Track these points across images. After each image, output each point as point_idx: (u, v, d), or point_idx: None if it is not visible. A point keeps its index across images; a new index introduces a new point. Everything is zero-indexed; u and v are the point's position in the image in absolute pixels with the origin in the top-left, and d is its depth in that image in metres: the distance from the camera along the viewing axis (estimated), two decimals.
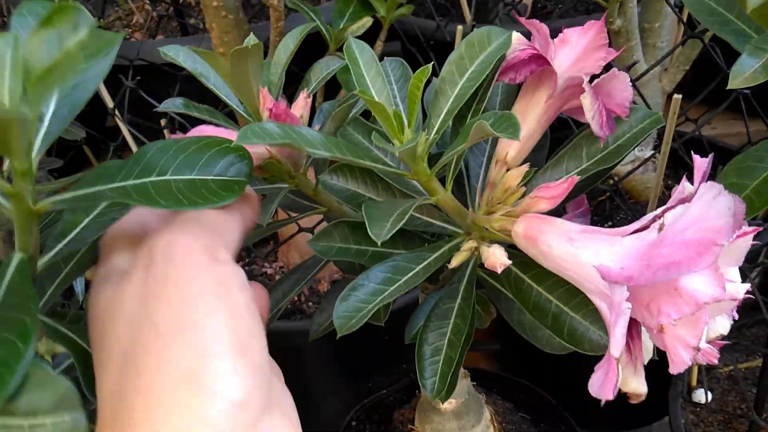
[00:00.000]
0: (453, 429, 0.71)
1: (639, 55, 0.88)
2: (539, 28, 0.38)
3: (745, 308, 0.82)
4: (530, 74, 0.38)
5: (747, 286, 0.32)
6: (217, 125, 0.47)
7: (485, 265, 0.37)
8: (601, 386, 0.30)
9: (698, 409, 0.84)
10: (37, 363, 0.28)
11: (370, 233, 0.32)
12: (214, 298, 0.29)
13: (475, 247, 0.39)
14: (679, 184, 0.33)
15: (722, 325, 0.33)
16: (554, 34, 0.42)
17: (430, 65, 0.35)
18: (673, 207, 0.30)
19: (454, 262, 0.39)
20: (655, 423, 0.96)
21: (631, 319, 0.32)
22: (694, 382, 0.86)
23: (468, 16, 1.01)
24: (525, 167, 0.37)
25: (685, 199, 0.30)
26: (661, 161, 0.75)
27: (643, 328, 0.35)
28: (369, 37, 0.83)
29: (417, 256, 0.41)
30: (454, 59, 0.37)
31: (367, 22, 0.82)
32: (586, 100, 0.36)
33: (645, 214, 0.34)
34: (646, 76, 0.93)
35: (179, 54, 0.50)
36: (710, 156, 0.33)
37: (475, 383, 0.78)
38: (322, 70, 0.51)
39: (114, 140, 0.91)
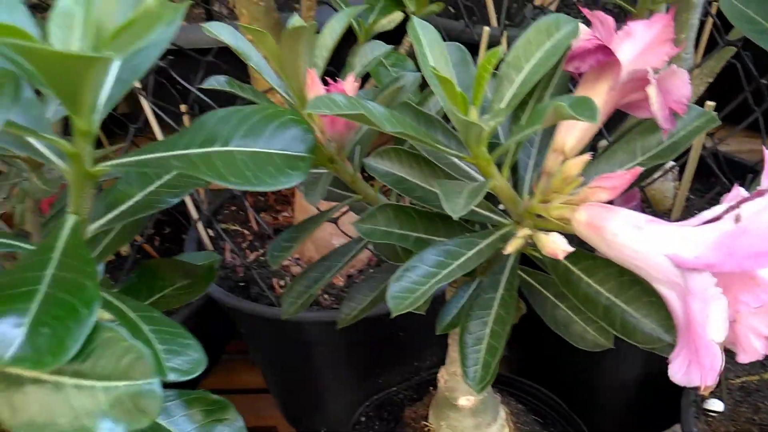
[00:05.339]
0: (469, 426, 0.71)
1: None
2: (603, 19, 0.38)
3: None
4: (596, 65, 0.37)
5: None
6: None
7: (544, 252, 0.37)
8: (689, 373, 0.30)
9: (710, 419, 0.84)
10: (110, 327, 0.27)
11: (444, 207, 0.31)
12: None
13: (529, 235, 0.39)
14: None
15: None
16: None
17: (502, 47, 0.35)
18: (748, 200, 0.30)
19: (510, 249, 0.38)
20: (666, 431, 0.96)
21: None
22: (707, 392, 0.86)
23: (494, 17, 1.00)
24: (586, 156, 0.37)
25: (762, 192, 0.30)
26: (689, 170, 0.76)
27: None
28: (396, 34, 0.83)
29: (468, 242, 0.41)
30: (521, 44, 0.37)
31: (397, 16, 0.82)
32: (652, 92, 0.36)
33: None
34: None
35: (222, 31, 0.49)
36: None
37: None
38: (366, 54, 0.51)
39: (122, 129, 0.90)
